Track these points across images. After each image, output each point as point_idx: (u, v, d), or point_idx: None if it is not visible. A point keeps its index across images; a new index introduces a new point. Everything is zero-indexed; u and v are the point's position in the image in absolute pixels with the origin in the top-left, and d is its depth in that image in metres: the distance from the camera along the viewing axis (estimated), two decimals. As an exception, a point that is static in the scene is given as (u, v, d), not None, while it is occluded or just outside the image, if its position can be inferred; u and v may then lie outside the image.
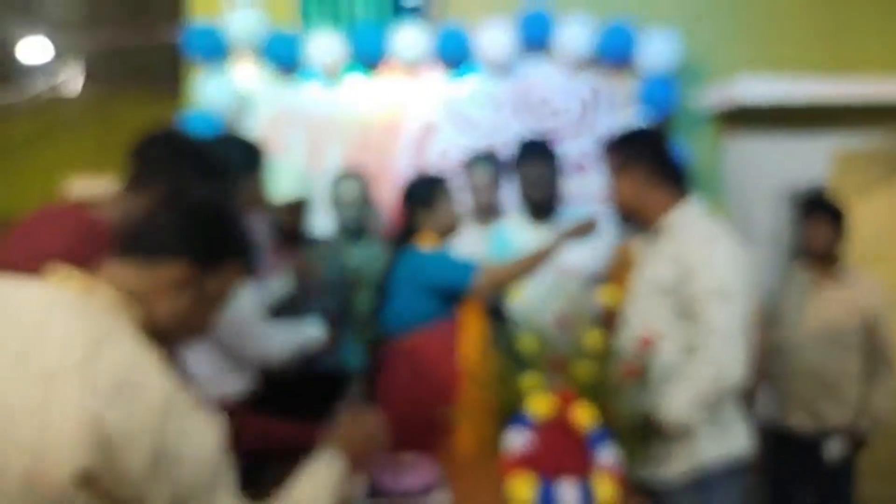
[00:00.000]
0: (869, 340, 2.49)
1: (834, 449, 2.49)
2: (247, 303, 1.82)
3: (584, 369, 1.62)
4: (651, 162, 1.80)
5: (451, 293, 2.10)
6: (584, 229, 2.12)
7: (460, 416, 1.91)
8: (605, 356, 1.63)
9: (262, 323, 1.91)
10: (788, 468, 2.61)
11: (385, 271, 2.25)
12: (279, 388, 2.01)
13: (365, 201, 2.61)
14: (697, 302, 1.67)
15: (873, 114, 3.11)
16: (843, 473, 2.57)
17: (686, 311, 1.70)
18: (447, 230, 2.22)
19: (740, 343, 1.64)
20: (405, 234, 2.24)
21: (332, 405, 2.28)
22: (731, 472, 1.74)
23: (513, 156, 2.48)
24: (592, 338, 1.65)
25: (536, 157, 2.43)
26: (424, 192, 2.23)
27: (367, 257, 2.53)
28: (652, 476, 1.75)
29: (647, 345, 1.65)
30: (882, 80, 2.85)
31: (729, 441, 1.74)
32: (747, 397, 2.27)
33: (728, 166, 3.28)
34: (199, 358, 1.74)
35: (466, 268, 2.07)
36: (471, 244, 2.46)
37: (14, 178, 6.27)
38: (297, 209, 2.42)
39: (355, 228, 2.59)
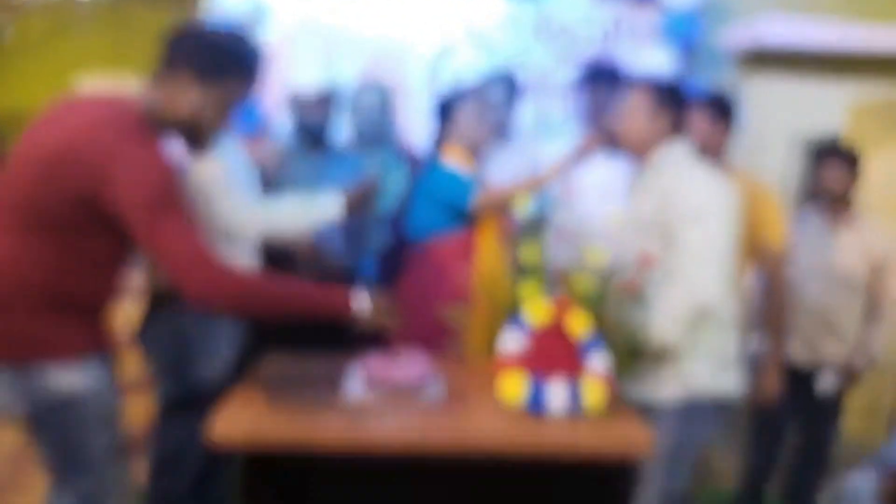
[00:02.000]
0: (873, 284, 2.57)
1: (827, 381, 2.58)
2: (216, 168, 1.84)
3: (582, 281, 1.66)
4: (671, 108, 1.86)
5: (455, 209, 2.15)
6: (589, 148, 2.13)
7: (469, 318, 1.98)
8: (603, 271, 1.67)
9: (246, 193, 1.93)
10: (780, 398, 2.69)
11: (403, 182, 2.28)
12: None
13: (385, 111, 2.59)
14: (673, 226, 1.74)
15: (892, 64, 3.08)
16: (830, 408, 2.67)
17: (667, 239, 1.76)
18: (473, 145, 2.23)
19: (713, 263, 1.72)
20: (433, 147, 2.27)
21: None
22: (719, 407, 1.82)
23: (577, 79, 2.47)
24: (593, 252, 1.68)
25: (606, 80, 2.40)
26: (446, 104, 2.25)
27: (383, 166, 2.52)
28: (640, 396, 1.82)
29: (646, 262, 1.69)
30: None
31: (721, 376, 1.82)
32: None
33: (745, 108, 3.25)
34: None
35: (465, 186, 2.12)
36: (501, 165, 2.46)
37: (27, 76, 6.22)
38: (325, 103, 2.40)
39: (373, 137, 2.58)
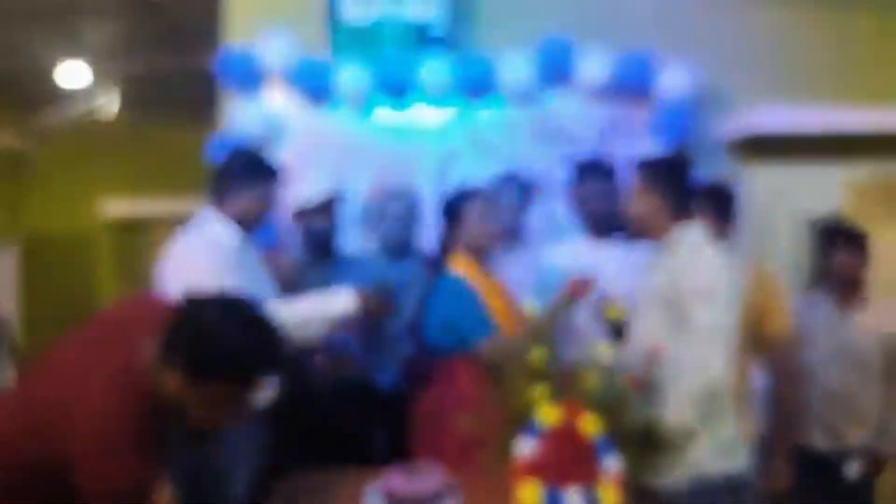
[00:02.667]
0: (890, 365, 2.56)
1: (853, 469, 2.52)
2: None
3: (591, 381, 1.69)
4: (671, 185, 1.95)
5: (460, 331, 2.12)
6: (575, 294, 2.08)
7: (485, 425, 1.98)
8: (612, 369, 1.70)
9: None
10: (807, 487, 2.60)
11: (424, 291, 2.30)
12: (309, 402, 2.10)
13: (411, 220, 2.64)
14: (684, 305, 1.79)
15: (889, 144, 3.16)
16: (860, 497, 2.59)
17: (677, 318, 1.81)
18: (479, 248, 2.21)
19: (721, 342, 1.76)
20: (441, 253, 2.31)
21: (363, 423, 2.35)
22: (731, 486, 1.82)
23: (571, 177, 2.58)
24: (601, 350, 1.72)
25: (597, 175, 2.50)
26: (453, 206, 2.26)
27: (407, 276, 2.53)
28: (656, 484, 1.82)
29: (654, 356, 1.72)
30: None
31: (728, 455, 1.83)
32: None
33: (748, 194, 3.33)
34: None
35: (469, 309, 2.11)
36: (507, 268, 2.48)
37: (52, 199, 6.52)
38: (327, 208, 2.50)
39: (399, 247, 2.61)
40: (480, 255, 2.21)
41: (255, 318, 1.36)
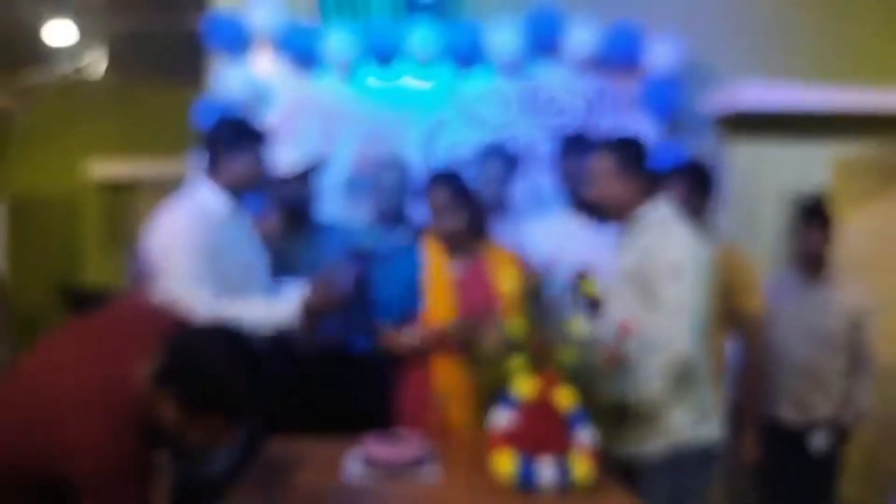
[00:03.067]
0: (854, 340, 2.63)
1: (819, 440, 2.61)
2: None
3: (567, 355, 1.73)
4: (638, 167, 1.99)
5: None
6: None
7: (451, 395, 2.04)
8: (586, 343, 1.74)
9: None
10: (776, 458, 2.71)
11: (414, 261, 2.33)
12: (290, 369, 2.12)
13: (404, 189, 2.65)
14: (652, 281, 1.84)
15: (872, 123, 3.19)
16: (827, 467, 2.68)
17: (647, 295, 1.87)
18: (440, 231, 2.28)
19: (687, 317, 1.82)
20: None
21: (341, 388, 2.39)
22: (705, 455, 1.90)
23: (557, 151, 2.57)
24: (576, 325, 1.76)
25: (582, 149, 2.47)
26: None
27: (398, 245, 2.55)
28: (630, 455, 1.89)
29: (626, 332, 1.76)
30: (882, 90, 2.94)
31: (702, 425, 1.90)
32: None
33: (732, 170, 3.36)
34: None
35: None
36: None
37: (39, 159, 6.46)
38: (303, 178, 2.48)
39: (393, 215, 2.63)
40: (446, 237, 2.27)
41: (248, 351, 1.39)
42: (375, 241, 2.55)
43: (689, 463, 1.88)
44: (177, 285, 1.89)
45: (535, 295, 1.77)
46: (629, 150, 2.00)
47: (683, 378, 1.84)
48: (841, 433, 2.64)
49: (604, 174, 1.98)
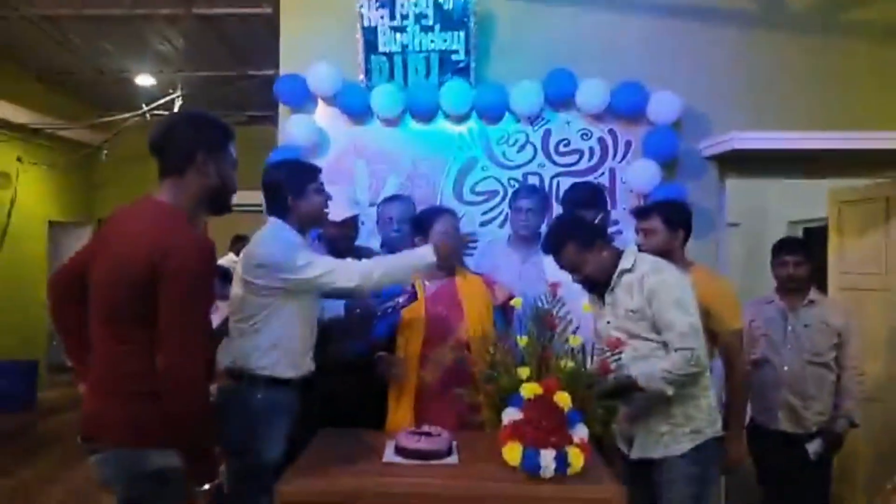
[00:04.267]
0: (839, 355, 2.91)
1: (815, 447, 2.88)
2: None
3: (566, 365, 2.08)
4: (602, 237, 2.39)
5: None
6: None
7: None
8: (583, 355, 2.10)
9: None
10: (777, 465, 3.01)
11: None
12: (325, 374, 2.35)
13: (406, 221, 2.90)
14: (661, 314, 2.19)
15: (863, 162, 3.48)
16: (822, 471, 2.97)
17: (655, 326, 2.22)
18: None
19: (693, 340, 2.17)
20: None
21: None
22: (719, 446, 2.28)
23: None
24: (574, 340, 2.12)
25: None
26: (422, 220, 2.64)
27: None
28: (656, 453, 2.27)
29: (616, 346, 2.12)
30: (863, 133, 3.22)
31: (715, 419, 2.28)
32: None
33: (742, 202, 3.64)
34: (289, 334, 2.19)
35: None
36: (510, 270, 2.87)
37: (122, 187, 7.21)
38: (347, 225, 2.75)
39: (399, 247, 2.85)
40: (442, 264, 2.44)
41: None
42: None
43: (709, 452, 2.24)
44: (315, 269, 2.13)
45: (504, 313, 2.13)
46: (588, 229, 2.39)
47: (699, 381, 2.22)
48: (834, 440, 2.91)
49: (582, 254, 2.33)
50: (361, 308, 2.54)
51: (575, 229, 2.37)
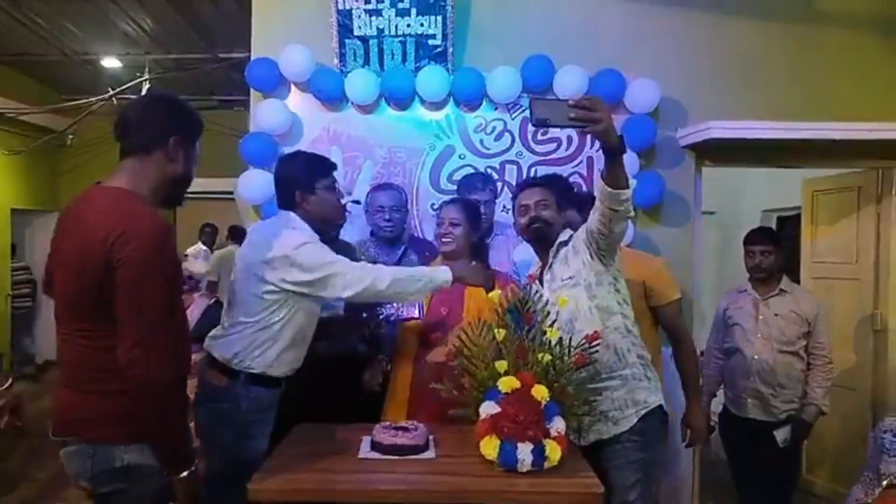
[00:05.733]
0: (808, 344, 2.94)
1: (783, 435, 2.92)
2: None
3: (544, 356, 2.07)
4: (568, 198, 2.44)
5: None
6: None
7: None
8: (559, 348, 2.09)
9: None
10: (747, 452, 3.05)
11: None
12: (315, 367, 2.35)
13: (402, 210, 2.96)
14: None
15: (840, 152, 3.49)
16: (791, 458, 3.01)
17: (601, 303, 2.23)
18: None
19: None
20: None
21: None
22: (662, 417, 2.26)
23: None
24: (551, 333, 2.10)
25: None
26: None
27: (394, 262, 2.81)
28: (604, 433, 2.23)
29: (592, 340, 2.10)
30: (840, 124, 3.24)
31: (657, 394, 2.26)
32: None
33: (719, 190, 3.67)
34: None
35: None
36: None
37: (89, 173, 7.03)
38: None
39: (391, 236, 2.92)
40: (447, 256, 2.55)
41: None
42: (373, 258, 2.80)
43: (651, 423, 2.21)
44: (337, 267, 2.10)
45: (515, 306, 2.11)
46: (563, 185, 2.48)
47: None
48: (803, 428, 2.95)
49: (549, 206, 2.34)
50: (368, 312, 2.58)
51: (570, 187, 2.48)
